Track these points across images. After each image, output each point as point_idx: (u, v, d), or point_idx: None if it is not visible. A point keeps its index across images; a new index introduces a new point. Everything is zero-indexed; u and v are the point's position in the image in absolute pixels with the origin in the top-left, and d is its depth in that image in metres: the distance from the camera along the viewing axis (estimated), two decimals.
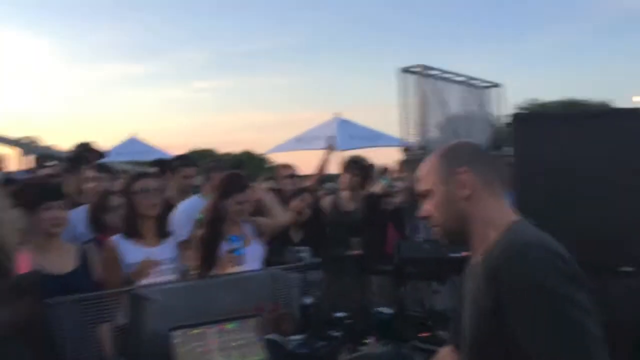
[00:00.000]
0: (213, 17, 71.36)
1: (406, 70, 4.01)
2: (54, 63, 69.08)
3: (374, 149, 10.32)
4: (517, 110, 46.95)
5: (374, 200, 4.36)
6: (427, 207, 1.49)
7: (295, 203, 4.05)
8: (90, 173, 3.89)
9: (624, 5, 64.45)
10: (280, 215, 3.61)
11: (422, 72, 4.00)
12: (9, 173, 5.61)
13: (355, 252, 3.77)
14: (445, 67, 4.19)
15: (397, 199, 4.62)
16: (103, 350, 2.51)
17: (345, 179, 4.53)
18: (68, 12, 69.14)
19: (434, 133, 4.22)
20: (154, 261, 2.96)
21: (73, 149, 4.96)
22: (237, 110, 71.40)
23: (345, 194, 4.60)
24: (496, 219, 1.40)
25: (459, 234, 1.45)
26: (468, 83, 4.54)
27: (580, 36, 65.67)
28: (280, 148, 11.32)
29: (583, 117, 3.68)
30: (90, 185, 3.85)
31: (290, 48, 72.15)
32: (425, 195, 1.49)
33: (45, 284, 2.18)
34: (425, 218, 1.49)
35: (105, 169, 4.03)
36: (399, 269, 3.01)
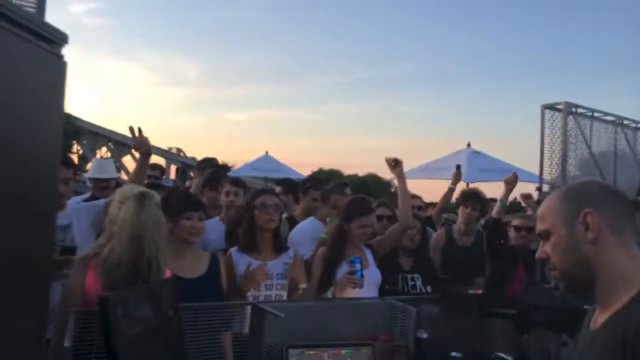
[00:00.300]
0: (348, 42, 73.20)
1: (549, 107, 3.82)
2: (204, 82, 74.89)
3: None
4: None
5: (498, 226, 4.13)
6: (545, 249, 1.36)
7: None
8: (228, 187, 4.08)
9: None
10: (407, 218, 3.59)
11: (566, 110, 3.77)
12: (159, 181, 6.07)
13: (478, 291, 3.62)
14: (594, 106, 3.92)
15: (531, 240, 4.37)
16: (224, 357, 2.62)
17: (463, 212, 4.41)
18: (222, 35, 74.79)
19: (575, 172, 3.96)
20: (265, 270, 3.04)
21: (202, 163, 5.15)
22: (366, 134, 72.25)
23: (459, 227, 4.47)
24: (628, 273, 1.25)
25: (579, 281, 1.32)
26: (618, 122, 4.21)
27: None
28: (407, 175, 11.28)
29: None
30: (229, 199, 4.03)
31: (425, 75, 71.77)
32: (544, 236, 1.37)
33: (178, 287, 2.34)
34: (544, 260, 1.37)
35: (241, 184, 4.22)
36: (524, 314, 2.84)
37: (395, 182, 4.28)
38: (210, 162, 5.06)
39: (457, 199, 4.73)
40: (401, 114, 70.82)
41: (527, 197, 4.23)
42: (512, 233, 4.08)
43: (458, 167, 5.70)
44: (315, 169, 49.34)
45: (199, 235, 2.95)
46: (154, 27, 74.06)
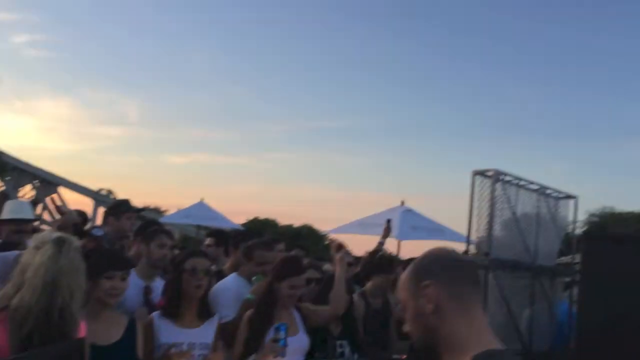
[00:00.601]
0: (291, 92, 74.54)
1: (479, 173, 4.00)
2: (144, 122, 73.59)
3: (435, 241, 10.22)
4: (591, 218, 44.97)
5: None
6: (406, 320, 1.47)
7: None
8: (164, 239, 3.83)
9: None
10: (340, 305, 3.49)
11: (495, 177, 3.97)
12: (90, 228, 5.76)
13: (402, 356, 3.63)
14: (520, 173, 4.16)
15: None
16: None
17: (377, 279, 4.41)
18: (167, 76, 74.22)
19: (500, 238, 4.12)
20: (182, 353, 2.85)
21: (114, 208, 4.86)
22: (304, 184, 72.78)
23: (371, 291, 4.42)
24: (464, 340, 1.34)
25: (429, 349, 1.41)
26: (541, 191, 4.46)
27: None
28: (341, 230, 11.41)
29: None
30: (162, 251, 3.81)
31: (365, 128, 73.77)
32: (403, 309, 1.48)
33: (89, 354, 2.19)
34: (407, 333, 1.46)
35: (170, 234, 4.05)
36: None
37: (331, 238, 4.27)
38: (122, 207, 4.77)
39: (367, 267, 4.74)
40: (339, 165, 71.93)
41: None
42: None
43: (388, 221, 5.83)
44: (251, 217, 48.99)
45: (119, 297, 2.76)
46: (97, 62, 72.56)
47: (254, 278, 3.72)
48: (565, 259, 5.01)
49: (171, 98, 72.98)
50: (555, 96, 66.26)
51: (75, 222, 2.92)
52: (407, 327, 1.46)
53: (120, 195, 30.33)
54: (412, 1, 68.30)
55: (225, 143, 71.69)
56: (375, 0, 70.08)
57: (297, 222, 49.56)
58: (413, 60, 69.30)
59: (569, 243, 4.75)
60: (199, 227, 13.29)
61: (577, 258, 4.28)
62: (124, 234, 4.46)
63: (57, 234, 2.32)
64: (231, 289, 3.72)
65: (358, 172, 70.90)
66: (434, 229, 9.42)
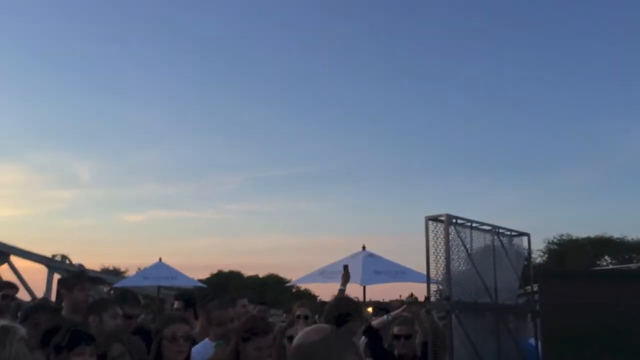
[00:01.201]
0: (247, 142, 74.79)
1: (432, 218, 4.06)
2: (97, 182, 72.17)
3: (399, 283, 10.27)
4: (550, 246, 45.86)
5: (374, 334, 4.25)
6: None
7: None
8: (117, 310, 3.82)
9: None
10: None
11: (447, 221, 4.03)
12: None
13: None
14: (475, 213, 4.27)
15: (414, 346, 4.51)
16: None
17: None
18: (117, 133, 73.32)
19: (459, 281, 4.16)
20: None
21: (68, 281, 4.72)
22: (266, 233, 72.25)
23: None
24: None
25: None
26: (494, 231, 4.55)
27: (618, 174, 66.29)
28: (304, 280, 11.35)
29: (609, 277, 3.67)
30: (115, 322, 3.75)
31: (319, 175, 74.35)
32: None
33: None
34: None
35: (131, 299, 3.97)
36: None
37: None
38: (72, 279, 4.64)
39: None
40: (300, 212, 72.00)
41: (412, 304, 4.42)
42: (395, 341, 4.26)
43: (345, 267, 5.84)
44: (215, 271, 48.09)
45: None
46: (42, 124, 71.43)
47: (214, 345, 3.63)
48: (523, 294, 5.09)
49: (123, 156, 72.16)
50: (506, 132, 68.71)
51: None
52: None
53: (76, 259, 29.32)
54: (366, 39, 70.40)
55: (180, 197, 70.90)
56: (327, 40, 71.90)
57: (262, 272, 48.94)
58: (365, 104, 70.98)
59: (526, 278, 4.83)
60: (159, 288, 12.95)
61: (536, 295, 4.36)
62: (77, 306, 4.35)
63: (1, 322, 2.22)
64: (200, 354, 3.64)
65: (318, 217, 71.04)
66: (397, 272, 9.51)
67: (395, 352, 4.55)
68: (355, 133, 73.97)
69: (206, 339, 3.84)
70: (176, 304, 5.02)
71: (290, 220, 72.83)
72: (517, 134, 68.21)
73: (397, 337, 4.57)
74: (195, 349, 3.79)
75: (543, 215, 66.75)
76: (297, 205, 71.96)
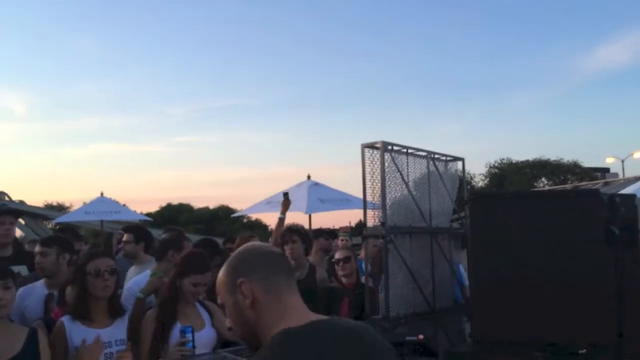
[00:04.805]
0: (196, 75, 72.47)
1: (368, 145, 4.08)
2: (33, 116, 68.76)
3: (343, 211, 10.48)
4: (491, 170, 47.54)
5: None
6: (227, 320, 1.55)
7: None
8: (37, 248, 3.80)
9: (593, 67, 67.45)
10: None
11: (383, 148, 4.06)
12: None
13: None
14: (419, 141, 4.32)
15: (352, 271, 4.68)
16: None
17: (286, 250, 4.49)
18: (54, 64, 69.21)
19: (394, 206, 4.25)
20: (100, 344, 2.87)
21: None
22: (216, 166, 71.59)
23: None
24: (273, 326, 1.43)
25: (252, 342, 1.50)
26: (430, 157, 4.63)
27: (557, 98, 68.27)
28: (251, 210, 11.43)
29: (534, 197, 3.82)
30: (35, 260, 3.75)
31: (267, 106, 73.32)
32: (221, 305, 1.56)
33: None
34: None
35: (52, 242, 3.88)
36: None
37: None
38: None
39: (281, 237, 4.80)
40: (248, 144, 71.38)
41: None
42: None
43: (285, 194, 5.80)
44: (164, 204, 47.59)
45: (6, 308, 2.68)
46: None
47: (151, 273, 3.65)
48: (456, 217, 5.28)
49: (60, 87, 68.79)
50: (442, 56, 69.06)
51: None
52: (231, 329, 1.54)
53: (17, 196, 28.40)
54: None
55: (126, 130, 68.87)
56: None
57: (212, 204, 48.82)
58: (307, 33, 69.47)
59: (460, 202, 4.99)
60: (102, 222, 12.75)
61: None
62: None
63: None
64: (138, 285, 3.68)
65: (266, 148, 70.78)
66: (341, 199, 9.67)
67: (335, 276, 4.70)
68: (300, 62, 72.61)
69: (147, 270, 3.86)
70: (125, 237, 4.95)
71: (239, 152, 72.23)
72: (459, 59, 68.58)
73: (336, 261, 4.72)
74: (135, 280, 3.82)
75: (486, 139, 68.70)
76: (244, 136, 71.21)
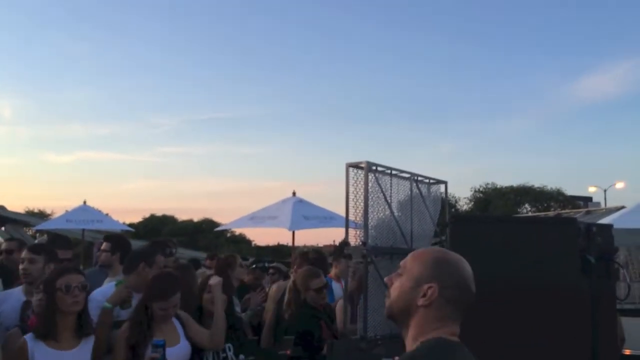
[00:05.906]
0: (183, 86, 72.41)
1: (352, 165, 4.11)
2: (20, 120, 68.17)
3: (327, 229, 10.49)
4: (476, 194, 47.83)
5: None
6: (393, 280, 1.62)
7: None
8: (24, 254, 3.75)
9: (579, 97, 68.58)
10: (218, 338, 3.44)
11: (367, 168, 4.09)
12: None
13: (286, 351, 3.68)
14: (406, 164, 4.36)
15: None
16: None
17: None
18: (45, 69, 68.77)
19: (377, 226, 4.27)
20: None
21: None
22: (201, 178, 71.30)
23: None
24: (426, 333, 1.51)
25: (397, 319, 1.58)
26: (413, 179, 4.66)
27: (542, 126, 69.24)
28: (235, 224, 11.40)
29: (514, 222, 3.86)
30: (22, 266, 3.71)
31: (255, 119, 73.43)
32: (401, 270, 1.60)
33: None
34: (386, 286, 1.63)
35: (40, 250, 3.85)
36: None
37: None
38: None
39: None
40: (234, 157, 71.25)
41: None
42: (311, 293, 4.37)
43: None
44: (147, 215, 47.12)
45: None
46: None
47: (116, 283, 3.60)
48: (437, 240, 5.31)
49: (49, 93, 68.35)
50: (430, 80, 69.86)
51: None
52: (389, 281, 1.63)
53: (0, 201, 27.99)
54: None
55: (112, 139, 68.40)
56: None
57: (197, 217, 48.44)
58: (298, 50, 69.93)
59: (442, 225, 5.02)
60: (84, 231, 12.60)
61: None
62: None
63: None
64: (105, 295, 3.56)
65: (253, 162, 70.68)
66: (325, 217, 9.70)
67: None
68: (288, 77, 72.84)
69: (112, 282, 3.79)
70: (103, 246, 4.90)
71: (225, 164, 72.04)
72: (447, 84, 69.42)
73: (319, 290, 4.59)
74: (99, 290, 3.70)
75: (472, 164, 69.29)
76: (231, 150, 71.09)
